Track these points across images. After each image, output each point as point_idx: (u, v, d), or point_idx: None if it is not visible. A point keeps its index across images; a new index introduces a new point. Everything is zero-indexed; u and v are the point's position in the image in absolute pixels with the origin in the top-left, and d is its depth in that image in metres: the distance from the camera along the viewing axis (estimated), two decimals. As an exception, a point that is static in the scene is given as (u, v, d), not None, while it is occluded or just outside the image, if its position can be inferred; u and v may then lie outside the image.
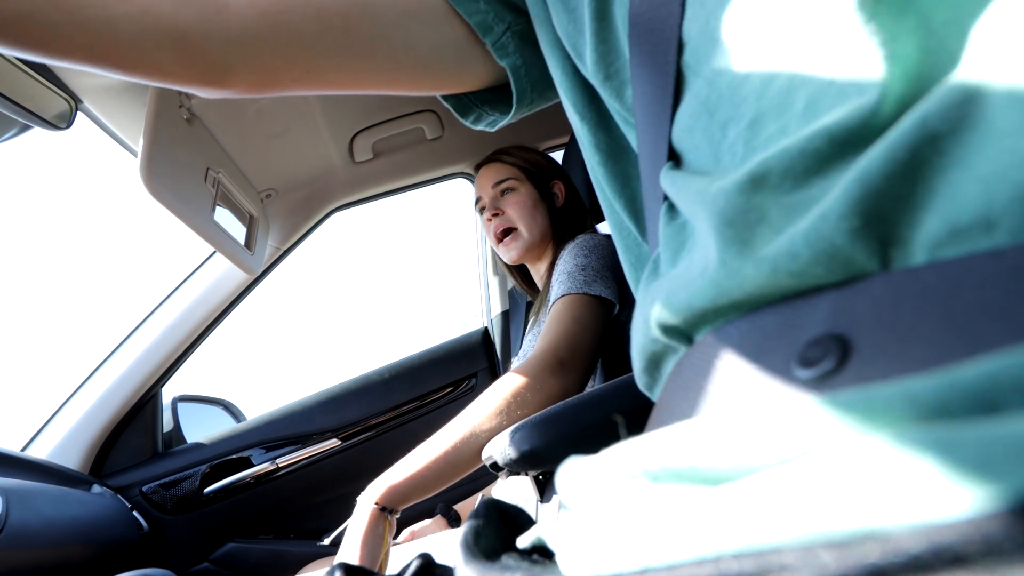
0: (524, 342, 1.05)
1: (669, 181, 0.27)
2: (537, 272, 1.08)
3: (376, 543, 0.65)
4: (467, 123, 0.50)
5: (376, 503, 0.67)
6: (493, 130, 0.51)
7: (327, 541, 1.31)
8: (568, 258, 0.92)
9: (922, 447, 0.11)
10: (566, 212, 1.05)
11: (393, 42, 0.41)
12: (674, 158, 0.28)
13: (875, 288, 0.17)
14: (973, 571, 0.10)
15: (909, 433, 0.12)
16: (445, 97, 0.49)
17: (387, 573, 0.63)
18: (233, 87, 0.41)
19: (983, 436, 0.11)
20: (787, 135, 0.21)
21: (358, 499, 0.69)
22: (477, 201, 1.09)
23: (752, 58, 0.23)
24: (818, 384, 0.17)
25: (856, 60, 0.19)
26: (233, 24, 0.39)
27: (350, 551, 0.65)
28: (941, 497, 0.11)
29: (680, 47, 0.27)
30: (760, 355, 0.19)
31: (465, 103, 0.49)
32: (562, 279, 0.89)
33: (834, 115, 0.19)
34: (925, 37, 0.18)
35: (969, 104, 0.16)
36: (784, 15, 0.22)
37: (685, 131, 0.27)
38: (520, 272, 1.17)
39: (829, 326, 0.18)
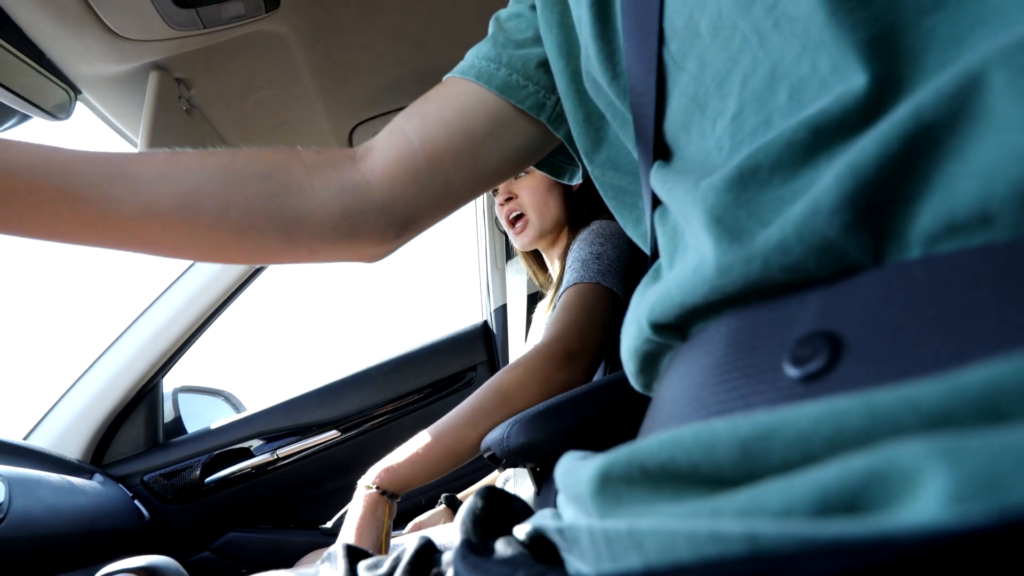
0: (532, 331, 1.04)
1: (659, 181, 0.27)
2: (551, 258, 1.06)
3: (375, 525, 0.65)
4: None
5: (375, 486, 0.66)
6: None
7: (328, 525, 1.31)
8: (583, 245, 0.89)
9: (927, 457, 0.11)
10: (583, 195, 1.02)
11: (492, 150, 0.48)
12: (664, 155, 0.29)
13: (866, 284, 0.17)
14: None
15: (915, 442, 0.12)
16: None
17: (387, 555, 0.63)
18: (391, 243, 0.49)
19: (990, 446, 0.11)
20: (771, 127, 0.21)
21: (358, 483, 0.68)
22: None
23: (734, 51, 0.23)
24: (808, 383, 0.17)
25: (834, 48, 0.19)
26: (376, 195, 0.46)
27: (348, 534, 0.64)
28: (948, 507, 0.10)
29: (663, 40, 0.28)
30: (751, 353, 0.19)
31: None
32: (575, 267, 0.86)
33: (818, 105, 0.19)
34: (898, 17, 0.18)
35: (966, 95, 0.15)
36: (762, 7, 0.22)
37: (681, 128, 0.27)
38: (535, 259, 1.14)
39: (820, 323, 0.17)
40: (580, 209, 1.01)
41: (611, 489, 0.19)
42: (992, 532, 0.09)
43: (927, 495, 0.11)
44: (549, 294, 1.04)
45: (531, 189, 0.99)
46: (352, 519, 0.65)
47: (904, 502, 0.11)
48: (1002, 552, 0.09)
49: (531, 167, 1.00)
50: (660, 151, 0.29)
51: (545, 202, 0.99)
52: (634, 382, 0.29)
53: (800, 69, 0.20)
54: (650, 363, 0.27)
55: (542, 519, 0.23)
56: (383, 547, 0.65)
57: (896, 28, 0.18)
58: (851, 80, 0.18)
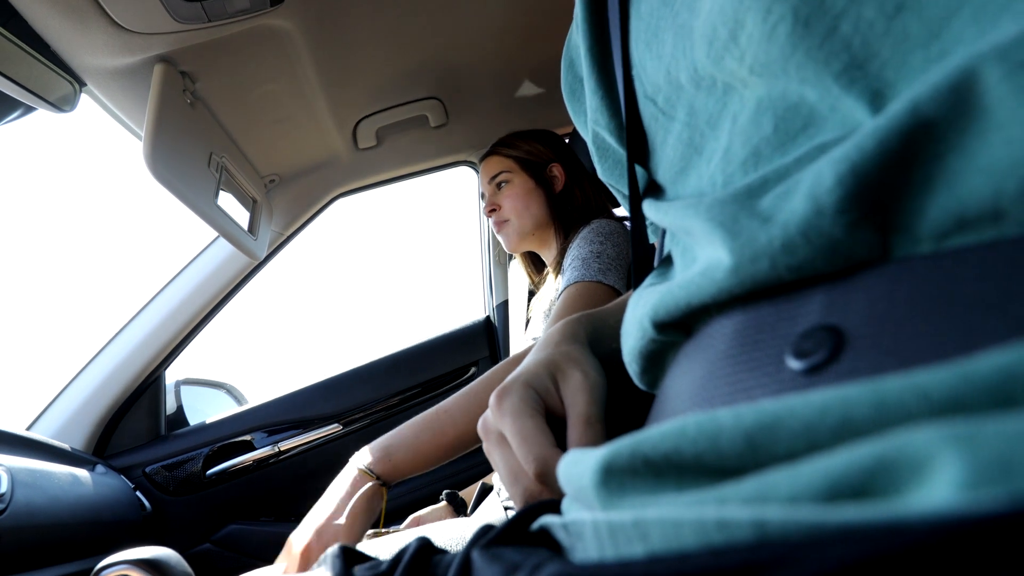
0: (532, 326, 1.05)
1: (652, 210, 0.28)
2: (548, 258, 1.09)
3: (370, 517, 0.59)
4: None
5: (373, 472, 0.61)
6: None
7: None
8: (583, 243, 0.91)
9: (940, 444, 0.11)
10: (568, 196, 1.05)
11: None
12: (656, 194, 0.30)
13: (870, 279, 0.17)
14: (992, 571, 0.09)
15: (926, 428, 0.12)
16: None
17: (385, 556, 0.61)
18: None
19: (1004, 432, 0.10)
20: (760, 158, 0.22)
21: (351, 459, 0.63)
22: (482, 196, 1.11)
23: (720, 94, 0.24)
24: (811, 375, 0.17)
25: (817, 82, 0.19)
26: None
27: (324, 513, 0.58)
28: (962, 493, 0.10)
29: (632, 94, 0.29)
30: (755, 346, 0.19)
31: None
32: (575, 264, 0.88)
33: (819, 139, 0.20)
34: (868, 31, 0.18)
35: (962, 91, 0.15)
36: (733, 59, 0.22)
37: (679, 172, 0.28)
38: (532, 260, 1.17)
39: (823, 317, 0.18)
40: (569, 206, 1.04)
41: (614, 481, 0.19)
42: (1006, 518, 0.09)
43: (939, 481, 0.11)
44: (545, 290, 1.05)
45: (512, 196, 1.05)
46: (339, 502, 0.59)
47: (915, 488, 0.11)
48: (1016, 538, 0.09)
49: (511, 179, 1.04)
50: (652, 191, 0.30)
51: (526, 206, 1.04)
52: (639, 382, 0.29)
53: (786, 101, 0.21)
54: (654, 361, 0.27)
55: (549, 516, 0.23)
56: (364, 531, 0.60)
57: (869, 43, 0.18)
58: (842, 108, 0.19)
